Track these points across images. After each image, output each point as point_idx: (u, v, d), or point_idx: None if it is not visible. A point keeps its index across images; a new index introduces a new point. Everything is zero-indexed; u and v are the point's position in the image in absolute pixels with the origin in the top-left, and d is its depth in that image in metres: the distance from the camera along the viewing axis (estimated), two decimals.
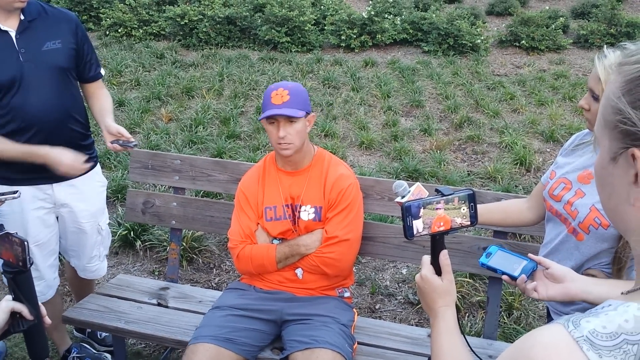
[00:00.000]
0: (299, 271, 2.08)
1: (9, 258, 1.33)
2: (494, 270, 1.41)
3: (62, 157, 2.07)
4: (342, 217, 2.03)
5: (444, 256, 1.14)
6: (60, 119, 2.18)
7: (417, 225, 1.11)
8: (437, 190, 1.15)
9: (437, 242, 1.15)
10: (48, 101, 2.14)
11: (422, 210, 1.11)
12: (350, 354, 1.92)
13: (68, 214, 2.30)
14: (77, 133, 2.26)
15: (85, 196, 2.32)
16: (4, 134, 2.06)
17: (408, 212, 1.10)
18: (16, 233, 1.34)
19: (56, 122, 2.17)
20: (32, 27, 2.09)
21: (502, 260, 1.41)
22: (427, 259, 1.15)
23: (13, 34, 2.04)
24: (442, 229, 1.13)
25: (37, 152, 2.06)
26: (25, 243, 1.30)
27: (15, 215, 2.16)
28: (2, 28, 2.02)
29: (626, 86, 0.66)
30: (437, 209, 1.12)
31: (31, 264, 1.33)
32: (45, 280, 2.30)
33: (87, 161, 2.19)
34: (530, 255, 1.40)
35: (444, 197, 1.12)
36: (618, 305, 0.63)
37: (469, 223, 1.15)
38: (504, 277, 1.39)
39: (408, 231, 1.11)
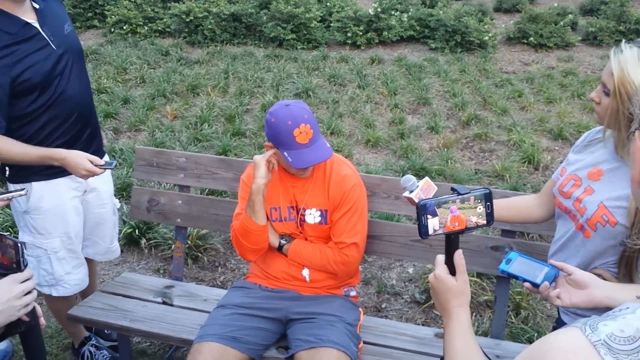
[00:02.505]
0: (305, 272, 2.06)
1: (3, 260, 1.33)
2: (515, 277, 1.38)
3: (81, 160, 2.02)
4: (346, 220, 2.01)
5: (459, 256, 1.12)
6: (91, 104, 2.24)
7: (433, 224, 1.09)
8: (452, 189, 1.13)
9: (452, 241, 1.13)
10: (82, 86, 2.16)
11: (437, 209, 1.09)
12: (355, 353, 1.90)
13: (94, 198, 2.35)
14: (96, 120, 2.30)
15: (105, 178, 2.37)
16: (47, 122, 2.05)
17: (424, 211, 1.08)
18: (9, 235, 1.33)
19: (89, 107, 2.21)
20: (46, 14, 2.07)
21: (523, 266, 1.39)
22: (441, 258, 1.14)
23: (37, 25, 2.02)
24: (457, 228, 1.11)
25: (54, 156, 2.01)
26: (19, 245, 1.30)
27: (56, 209, 2.18)
28: (28, 21, 1.99)
29: None
30: (452, 208, 1.09)
31: (25, 266, 1.32)
32: (85, 267, 2.36)
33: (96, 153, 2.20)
34: (551, 261, 1.38)
35: (460, 196, 1.10)
36: (636, 309, 0.62)
37: (485, 222, 1.13)
38: (526, 284, 1.36)
39: (423, 230, 1.09)
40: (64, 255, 2.25)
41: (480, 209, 1.12)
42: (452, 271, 1.12)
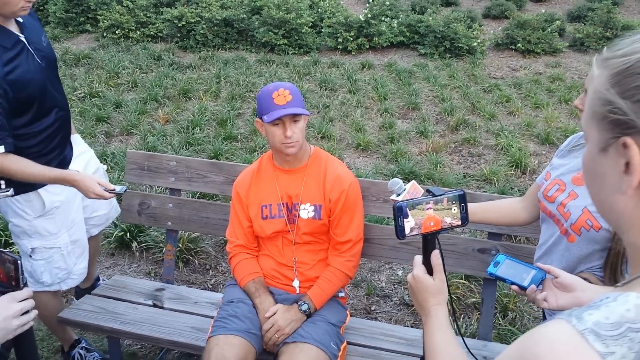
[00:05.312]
0: (296, 284, 2.10)
1: (1, 278, 1.31)
2: (503, 280, 1.40)
3: (91, 184, 2.03)
4: (349, 219, 2.06)
5: (435, 256, 1.15)
6: (69, 116, 2.25)
7: (408, 225, 1.12)
8: (428, 191, 1.17)
9: (428, 242, 1.16)
10: (61, 93, 2.19)
11: (412, 210, 1.12)
12: (335, 353, 1.95)
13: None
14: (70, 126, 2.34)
15: (95, 160, 2.53)
16: (45, 137, 2.09)
17: (400, 212, 1.12)
18: (8, 251, 1.31)
19: (68, 119, 2.24)
20: (26, 25, 2.08)
21: (511, 269, 1.41)
22: (419, 258, 1.17)
23: (23, 38, 2.02)
24: (432, 228, 1.14)
25: (68, 178, 2.03)
26: (18, 262, 1.28)
27: (68, 198, 2.24)
28: (16, 32, 2.00)
29: (614, 78, 0.68)
30: (427, 209, 1.13)
31: (24, 285, 1.30)
32: (87, 253, 2.41)
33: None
34: (538, 264, 1.39)
35: (434, 198, 1.14)
36: (617, 296, 0.63)
37: (459, 223, 1.17)
38: (513, 287, 1.38)
39: (400, 231, 1.12)
40: (71, 248, 2.30)
41: (455, 210, 1.15)
42: (430, 271, 1.15)
